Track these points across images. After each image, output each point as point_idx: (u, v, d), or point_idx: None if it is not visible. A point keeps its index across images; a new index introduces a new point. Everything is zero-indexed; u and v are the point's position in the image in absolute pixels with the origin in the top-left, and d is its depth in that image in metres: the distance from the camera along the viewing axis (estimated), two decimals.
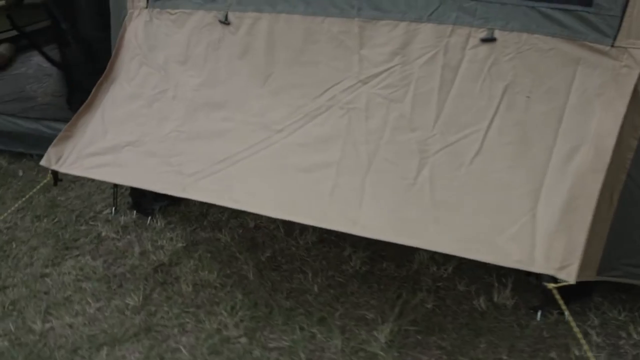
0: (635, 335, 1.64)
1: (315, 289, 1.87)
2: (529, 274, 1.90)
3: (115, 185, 2.25)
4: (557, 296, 1.29)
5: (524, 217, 1.36)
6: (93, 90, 1.85)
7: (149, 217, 2.24)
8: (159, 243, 2.10)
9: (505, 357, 1.59)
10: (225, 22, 1.79)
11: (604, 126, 1.40)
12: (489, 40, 1.53)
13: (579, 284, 1.71)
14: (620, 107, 1.41)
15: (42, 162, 1.75)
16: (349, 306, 1.81)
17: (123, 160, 1.71)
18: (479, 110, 1.50)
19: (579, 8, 1.47)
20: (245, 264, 2.00)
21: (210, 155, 1.65)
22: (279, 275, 1.96)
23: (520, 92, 1.48)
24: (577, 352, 1.58)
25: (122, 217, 2.25)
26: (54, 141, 1.78)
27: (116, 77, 1.87)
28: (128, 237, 2.15)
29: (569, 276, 1.28)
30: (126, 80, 1.84)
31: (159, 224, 2.21)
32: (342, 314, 1.77)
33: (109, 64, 1.89)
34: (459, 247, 1.37)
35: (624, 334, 1.64)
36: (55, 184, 1.80)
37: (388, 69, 1.60)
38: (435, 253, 1.98)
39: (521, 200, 1.39)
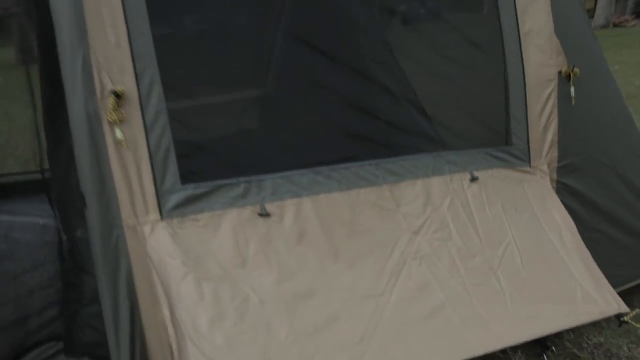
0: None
1: None
2: None
3: None
4: (637, 325, 1.85)
5: (577, 285, 1.88)
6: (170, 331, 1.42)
7: None
8: None
9: None
10: (266, 214, 1.72)
11: (561, 215, 2.09)
12: (475, 179, 2.03)
13: None
14: (558, 201, 2.13)
15: None
16: None
17: None
18: (499, 228, 1.96)
19: (506, 148, 2.15)
20: None
21: (346, 342, 1.56)
22: None
23: (511, 209, 2.03)
24: None
25: None
26: None
27: (176, 305, 1.49)
28: None
29: (626, 308, 1.86)
30: (195, 305, 1.50)
31: None
32: None
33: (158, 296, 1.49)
34: (571, 321, 1.78)
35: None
36: None
37: (427, 218, 1.89)
38: None
39: (566, 276, 1.91)
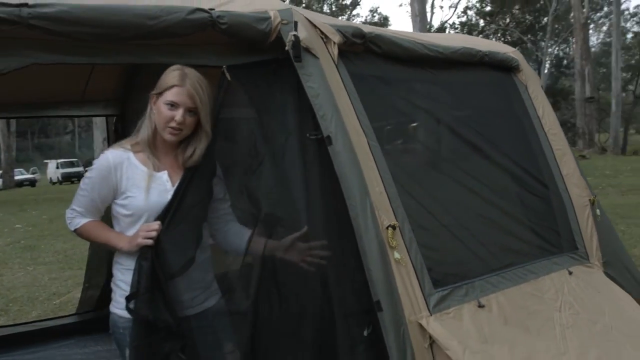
0: None
1: None
2: None
3: None
4: None
5: None
6: None
7: None
8: None
9: None
10: (482, 306, 2.33)
11: (619, 291, 2.93)
12: (571, 273, 2.83)
13: None
14: (613, 284, 2.98)
15: None
16: None
17: None
18: (599, 303, 2.73)
19: (575, 251, 3.00)
20: None
21: None
22: None
23: (596, 290, 2.82)
24: None
25: None
26: None
27: None
28: None
29: None
30: None
31: None
32: None
33: None
34: None
35: None
36: None
37: (561, 301, 2.61)
38: None
39: None
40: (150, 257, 1.86)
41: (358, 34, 2.56)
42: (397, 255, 2.16)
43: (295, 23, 2.29)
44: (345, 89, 2.39)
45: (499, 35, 31.78)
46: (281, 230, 2.19)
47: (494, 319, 2.32)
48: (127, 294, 1.89)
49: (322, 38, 2.43)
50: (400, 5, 68.52)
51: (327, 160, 2.23)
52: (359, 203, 2.15)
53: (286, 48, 2.23)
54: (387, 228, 2.17)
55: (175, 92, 1.90)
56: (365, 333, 2.14)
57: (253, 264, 2.21)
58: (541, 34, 33.14)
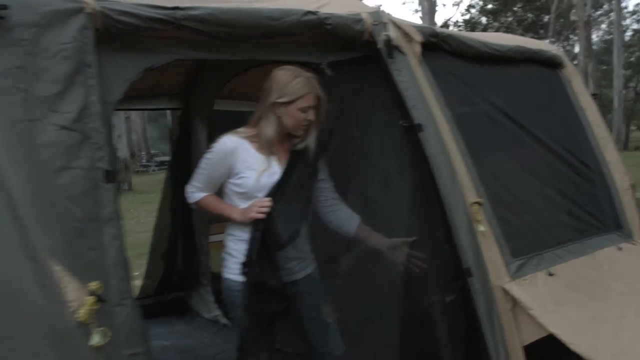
0: None
1: None
2: None
3: None
4: None
5: None
6: None
7: None
8: None
9: None
10: (552, 274, 2.62)
11: None
12: (620, 249, 3.12)
13: None
14: None
15: None
16: None
17: None
18: None
19: (622, 231, 3.29)
20: None
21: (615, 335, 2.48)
22: None
23: None
24: None
25: None
26: None
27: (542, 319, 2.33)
28: None
29: None
30: (547, 316, 2.34)
31: None
32: None
33: None
34: None
35: None
36: None
37: (616, 272, 2.90)
38: None
39: None
40: (261, 229, 2.08)
41: (433, 33, 2.84)
42: (482, 227, 2.45)
43: (385, 24, 2.56)
44: (428, 82, 2.67)
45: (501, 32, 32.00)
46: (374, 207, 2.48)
47: (562, 286, 2.61)
48: (239, 260, 2.13)
49: (405, 38, 2.71)
50: (404, 3, 68.24)
51: (414, 145, 2.50)
52: (449, 182, 2.44)
53: (378, 46, 2.50)
54: (472, 204, 2.46)
55: (308, 98, 2.10)
56: (447, 299, 2.42)
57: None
58: (542, 31, 33.41)
